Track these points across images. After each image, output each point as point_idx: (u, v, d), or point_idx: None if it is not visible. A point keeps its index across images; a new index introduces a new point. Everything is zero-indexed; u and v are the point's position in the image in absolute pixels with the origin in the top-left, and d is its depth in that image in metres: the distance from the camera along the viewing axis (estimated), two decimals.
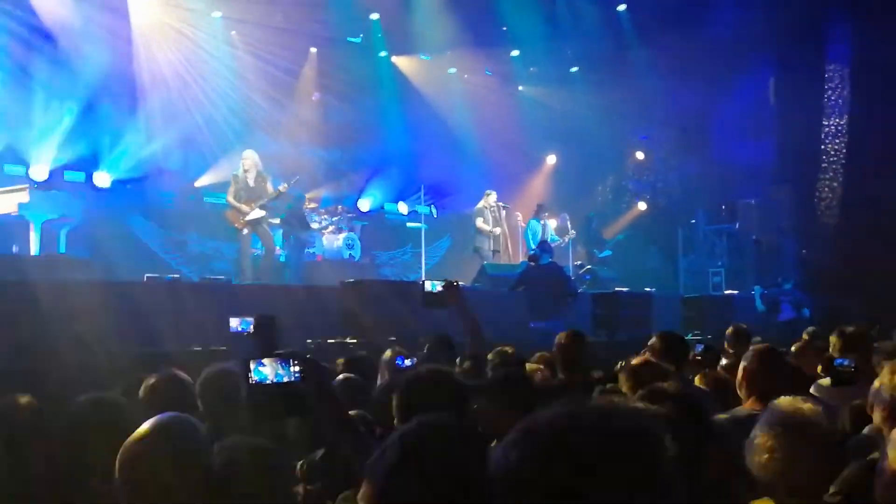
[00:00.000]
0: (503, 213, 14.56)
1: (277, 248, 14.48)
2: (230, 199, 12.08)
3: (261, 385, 2.74)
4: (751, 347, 4.10)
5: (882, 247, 14.37)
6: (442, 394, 2.86)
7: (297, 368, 2.74)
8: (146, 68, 14.27)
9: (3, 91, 12.65)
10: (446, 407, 2.76)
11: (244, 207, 11.91)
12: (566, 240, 15.23)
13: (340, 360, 5.45)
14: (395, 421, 2.77)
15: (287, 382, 2.73)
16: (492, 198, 14.40)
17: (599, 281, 14.84)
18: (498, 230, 14.66)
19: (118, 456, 2.28)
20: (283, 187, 11.93)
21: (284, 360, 2.76)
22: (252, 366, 2.74)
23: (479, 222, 14.12)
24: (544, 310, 10.29)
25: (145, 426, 2.33)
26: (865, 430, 3.42)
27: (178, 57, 14.69)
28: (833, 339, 5.40)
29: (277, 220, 14.25)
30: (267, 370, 2.76)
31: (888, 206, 14.61)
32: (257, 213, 11.84)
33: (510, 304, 10.74)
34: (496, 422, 3.39)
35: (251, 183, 11.94)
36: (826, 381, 4.87)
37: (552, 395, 4.15)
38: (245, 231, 11.97)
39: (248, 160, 12.12)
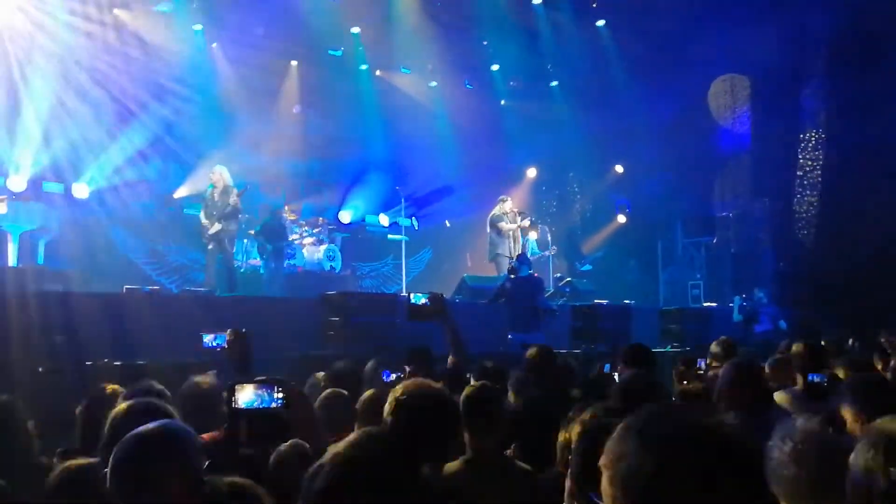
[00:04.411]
0: (519, 219, 14.30)
1: (256, 260, 14.49)
2: (200, 215, 12.12)
3: (244, 410, 2.76)
4: (728, 363, 4.15)
5: (858, 260, 14.51)
6: (433, 409, 2.86)
7: (280, 395, 2.75)
8: (125, 79, 14.22)
9: None
10: (439, 423, 2.79)
11: (205, 222, 11.95)
12: (547, 254, 15.27)
13: (320, 375, 5.44)
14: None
15: (269, 408, 2.74)
16: (508, 204, 14.13)
17: (579, 293, 14.89)
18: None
19: (114, 451, 2.27)
20: (233, 201, 11.89)
21: (269, 385, 2.77)
22: (236, 389, 2.75)
23: (504, 225, 13.79)
24: (523, 322, 10.32)
25: (149, 426, 2.31)
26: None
27: (158, 69, 14.64)
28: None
29: (253, 233, 14.27)
30: (251, 395, 2.77)
31: (864, 220, 14.77)
32: (216, 227, 11.84)
33: (490, 317, 10.77)
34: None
35: (216, 198, 11.95)
36: (785, 393, 4.95)
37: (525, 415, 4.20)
38: (210, 246, 11.98)
39: (215, 175, 12.13)
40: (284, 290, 13.40)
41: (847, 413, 3.26)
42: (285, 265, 14.31)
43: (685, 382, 5.71)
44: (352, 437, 1.66)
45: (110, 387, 4.06)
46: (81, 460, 2.86)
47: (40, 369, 6.36)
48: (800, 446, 2.42)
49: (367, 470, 1.58)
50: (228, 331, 4.49)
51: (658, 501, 1.33)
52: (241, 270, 13.90)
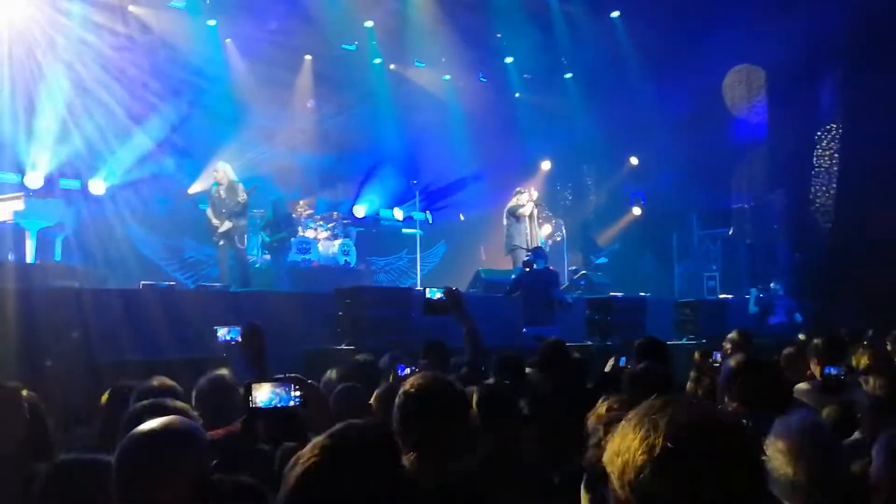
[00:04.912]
0: (535, 210, 14.24)
1: (252, 255, 14.50)
2: (208, 213, 12.18)
3: (262, 409, 2.76)
4: (732, 357, 4.11)
5: (875, 252, 14.42)
6: (442, 402, 2.85)
7: (297, 393, 2.75)
8: (140, 75, 14.29)
9: None
10: (446, 415, 2.78)
11: (214, 221, 12.00)
12: (550, 244, 15.23)
13: (332, 373, 5.44)
14: (395, 428, 2.76)
15: (287, 407, 2.74)
16: (524, 196, 14.03)
17: (594, 286, 14.85)
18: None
19: (118, 448, 2.26)
20: (241, 198, 11.96)
21: (286, 384, 2.77)
22: (253, 388, 2.75)
23: (523, 210, 13.67)
24: (538, 315, 10.30)
25: (154, 423, 2.28)
26: (855, 435, 3.46)
27: (173, 65, 14.71)
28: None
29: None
30: (268, 394, 2.77)
31: (881, 212, 14.66)
32: (226, 225, 11.91)
33: (504, 309, 10.76)
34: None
35: (223, 195, 12.01)
36: (803, 385, 4.93)
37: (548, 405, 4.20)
38: (221, 243, 12.05)
39: (219, 172, 12.19)
40: (292, 284, 13.42)
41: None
42: (300, 260, 14.32)
43: (701, 375, 5.70)
44: (334, 427, 1.67)
45: (130, 383, 4.09)
46: (73, 456, 2.81)
47: (48, 363, 6.40)
48: (795, 444, 2.41)
49: (343, 459, 1.58)
50: (243, 324, 4.50)
51: (654, 496, 1.34)
52: (256, 266, 13.95)
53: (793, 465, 2.35)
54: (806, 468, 2.35)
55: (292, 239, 14.20)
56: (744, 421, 1.43)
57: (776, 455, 2.38)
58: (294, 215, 14.83)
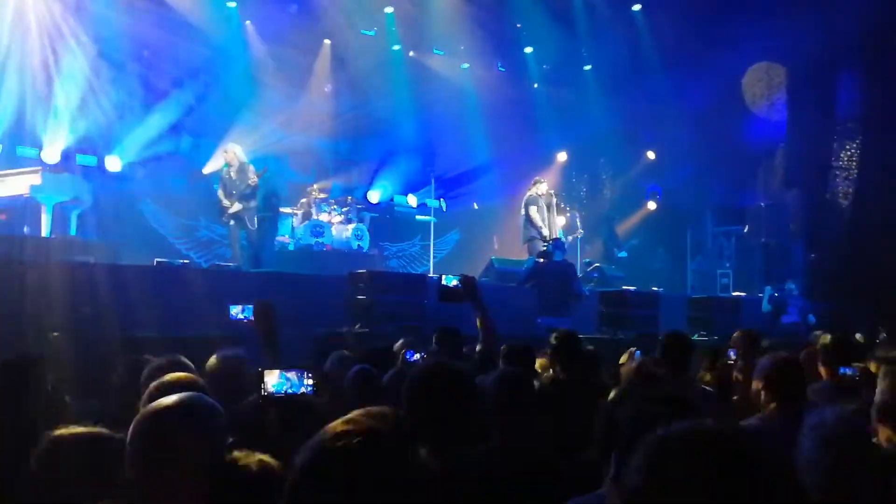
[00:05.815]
0: (554, 201, 14.15)
1: (284, 237, 14.54)
2: (219, 194, 12.19)
3: (274, 396, 2.75)
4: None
5: (890, 254, 14.30)
6: (449, 387, 2.83)
7: (310, 381, 2.73)
8: (159, 54, 14.30)
9: (16, 75, 12.66)
10: (452, 400, 2.76)
11: (224, 202, 12.01)
12: (570, 239, 15.17)
13: (346, 352, 5.44)
14: (403, 414, 2.74)
15: (300, 394, 2.72)
16: (543, 186, 13.94)
17: (607, 279, 14.83)
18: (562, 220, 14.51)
19: (133, 423, 2.23)
20: (251, 181, 11.96)
21: (299, 370, 2.76)
22: (265, 374, 2.73)
23: (533, 211, 13.62)
24: (552, 306, 10.28)
25: (169, 399, 2.26)
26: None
27: (192, 45, 14.70)
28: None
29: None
30: (278, 378, 2.76)
31: None
32: (236, 207, 11.92)
33: (518, 299, 10.74)
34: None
35: (233, 176, 12.02)
36: (816, 385, 4.89)
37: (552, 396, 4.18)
38: (231, 223, 12.09)
39: (229, 153, 12.19)
40: (275, 265, 13.41)
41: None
42: (314, 243, 14.29)
43: (709, 373, 5.68)
44: (349, 415, 1.62)
45: (142, 358, 4.09)
46: (70, 430, 2.74)
47: (55, 334, 6.41)
48: (830, 435, 2.39)
49: (355, 447, 1.53)
50: (254, 301, 4.46)
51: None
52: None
53: (830, 456, 2.34)
54: (843, 459, 2.33)
55: (290, 221, 14.18)
56: (738, 428, 1.41)
57: (812, 447, 2.36)
58: (304, 199, 14.81)
